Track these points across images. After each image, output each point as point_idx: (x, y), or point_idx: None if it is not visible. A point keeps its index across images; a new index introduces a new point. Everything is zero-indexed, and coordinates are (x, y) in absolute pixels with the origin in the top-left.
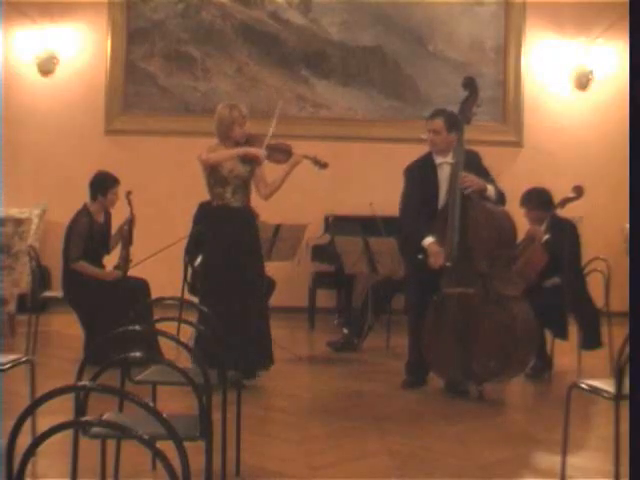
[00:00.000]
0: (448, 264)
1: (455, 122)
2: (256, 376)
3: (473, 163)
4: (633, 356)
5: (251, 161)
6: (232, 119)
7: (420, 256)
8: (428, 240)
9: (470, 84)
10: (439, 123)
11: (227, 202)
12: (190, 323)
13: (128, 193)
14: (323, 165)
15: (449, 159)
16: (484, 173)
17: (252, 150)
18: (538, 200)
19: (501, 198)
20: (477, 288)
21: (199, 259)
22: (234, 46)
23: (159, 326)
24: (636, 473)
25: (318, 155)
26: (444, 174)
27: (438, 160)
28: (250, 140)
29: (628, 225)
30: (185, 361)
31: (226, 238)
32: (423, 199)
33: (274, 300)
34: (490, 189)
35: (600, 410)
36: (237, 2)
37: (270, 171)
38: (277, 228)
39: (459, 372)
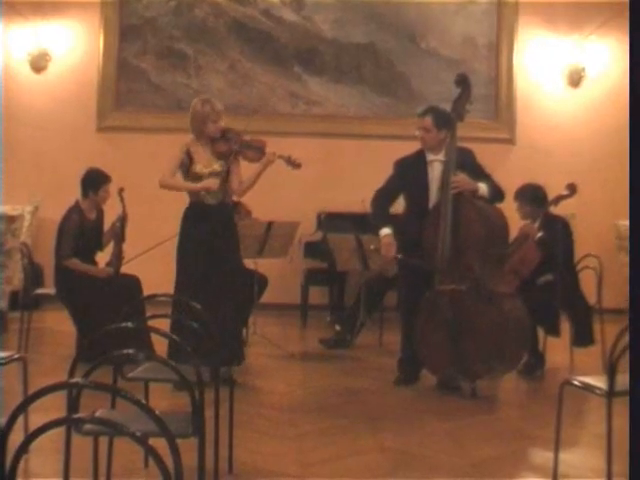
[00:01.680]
0: (399, 256)
1: (445, 119)
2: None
3: (467, 161)
4: (633, 354)
5: (226, 157)
6: (205, 115)
7: (372, 247)
8: (384, 231)
9: (463, 81)
10: (428, 121)
11: (201, 199)
12: (182, 320)
13: (120, 190)
14: (297, 165)
15: (441, 157)
16: (478, 171)
17: (205, 184)
18: (532, 196)
19: (498, 195)
20: (469, 285)
21: None
22: (226, 43)
23: (151, 323)
24: (636, 472)
25: (293, 155)
26: (435, 172)
27: (430, 157)
28: (226, 136)
29: (626, 222)
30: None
31: (199, 236)
32: (412, 195)
33: (266, 297)
34: (482, 188)
35: (592, 407)
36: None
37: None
38: (269, 225)
39: (452, 369)
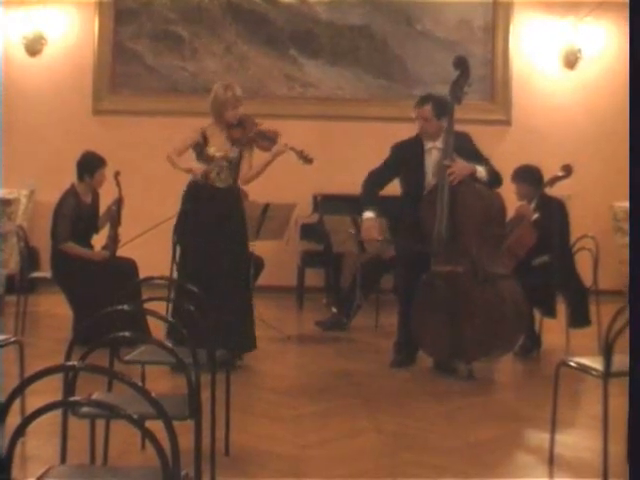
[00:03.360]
0: (379, 238)
1: (444, 107)
2: (238, 358)
3: (464, 145)
4: (633, 334)
5: (240, 143)
6: (225, 100)
7: (351, 231)
8: (367, 214)
9: (461, 63)
10: (428, 110)
11: (212, 181)
12: (179, 303)
13: (117, 174)
14: (308, 160)
15: (438, 144)
16: (475, 154)
17: (187, 168)
18: (530, 177)
19: (496, 178)
20: (466, 267)
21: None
22: (222, 26)
23: (148, 306)
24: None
25: (305, 150)
26: (432, 159)
27: (427, 145)
28: (242, 122)
29: (622, 203)
30: None
31: (208, 218)
32: (408, 180)
33: (262, 279)
34: (481, 171)
35: (588, 388)
36: None
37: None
38: (265, 207)
39: (448, 351)
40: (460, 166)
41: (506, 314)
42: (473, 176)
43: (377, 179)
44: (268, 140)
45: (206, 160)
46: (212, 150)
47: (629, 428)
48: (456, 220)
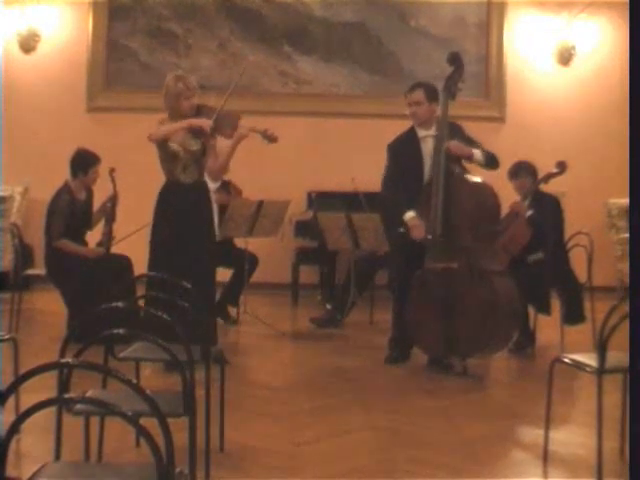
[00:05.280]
0: (429, 237)
1: (435, 93)
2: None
3: (458, 135)
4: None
5: (202, 134)
6: (177, 91)
7: (401, 229)
8: (409, 214)
9: (455, 59)
10: (419, 94)
11: (177, 178)
12: (173, 300)
13: (111, 170)
14: (273, 139)
15: (432, 132)
16: (469, 142)
17: (196, 121)
18: (527, 170)
19: (492, 160)
20: (460, 263)
21: None
22: (216, 22)
23: (142, 303)
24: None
25: (269, 129)
26: (428, 147)
27: (421, 134)
28: (201, 112)
29: (616, 200)
30: None
31: (174, 215)
32: (408, 174)
33: (257, 276)
34: (477, 153)
35: (583, 384)
36: None
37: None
38: (260, 204)
39: (442, 347)
40: (458, 144)
41: (500, 310)
42: (470, 158)
43: (394, 182)
44: (230, 126)
45: (171, 157)
46: (174, 146)
47: (630, 425)
48: (451, 215)
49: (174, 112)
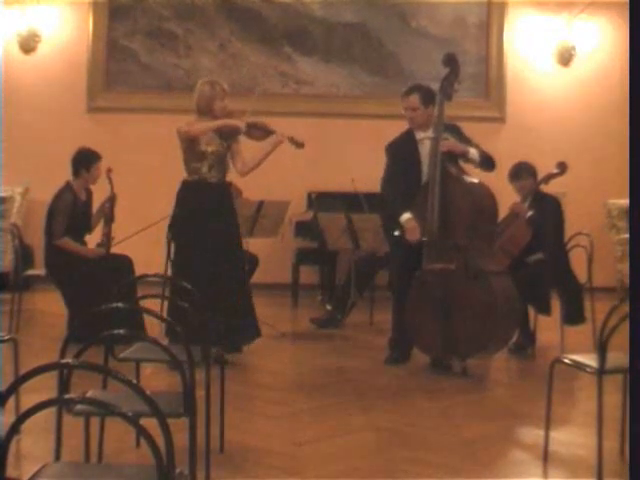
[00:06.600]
0: (425, 238)
1: (431, 96)
2: (241, 350)
3: (454, 134)
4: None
5: (228, 136)
6: (214, 94)
7: (396, 233)
8: (405, 216)
9: (451, 61)
10: (414, 100)
11: (204, 177)
12: (173, 300)
13: (108, 170)
14: (300, 145)
15: (430, 134)
16: (466, 142)
17: (232, 121)
18: (528, 171)
19: (488, 160)
20: (458, 264)
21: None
22: (216, 23)
23: (143, 303)
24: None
25: (295, 136)
26: (426, 149)
27: (419, 136)
28: (230, 116)
29: (616, 200)
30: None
31: (201, 213)
32: (406, 175)
33: (257, 277)
34: (473, 152)
35: (583, 385)
36: None
37: (247, 148)
38: (260, 205)
39: (442, 347)
40: (453, 142)
41: (500, 311)
42: (465, 156)
43: (393, 183)
44: (261, 130)
45: (198, 157)
46: (204, 146)
47: (630, 425)
48: (448, 215)
49: (207, 113)
